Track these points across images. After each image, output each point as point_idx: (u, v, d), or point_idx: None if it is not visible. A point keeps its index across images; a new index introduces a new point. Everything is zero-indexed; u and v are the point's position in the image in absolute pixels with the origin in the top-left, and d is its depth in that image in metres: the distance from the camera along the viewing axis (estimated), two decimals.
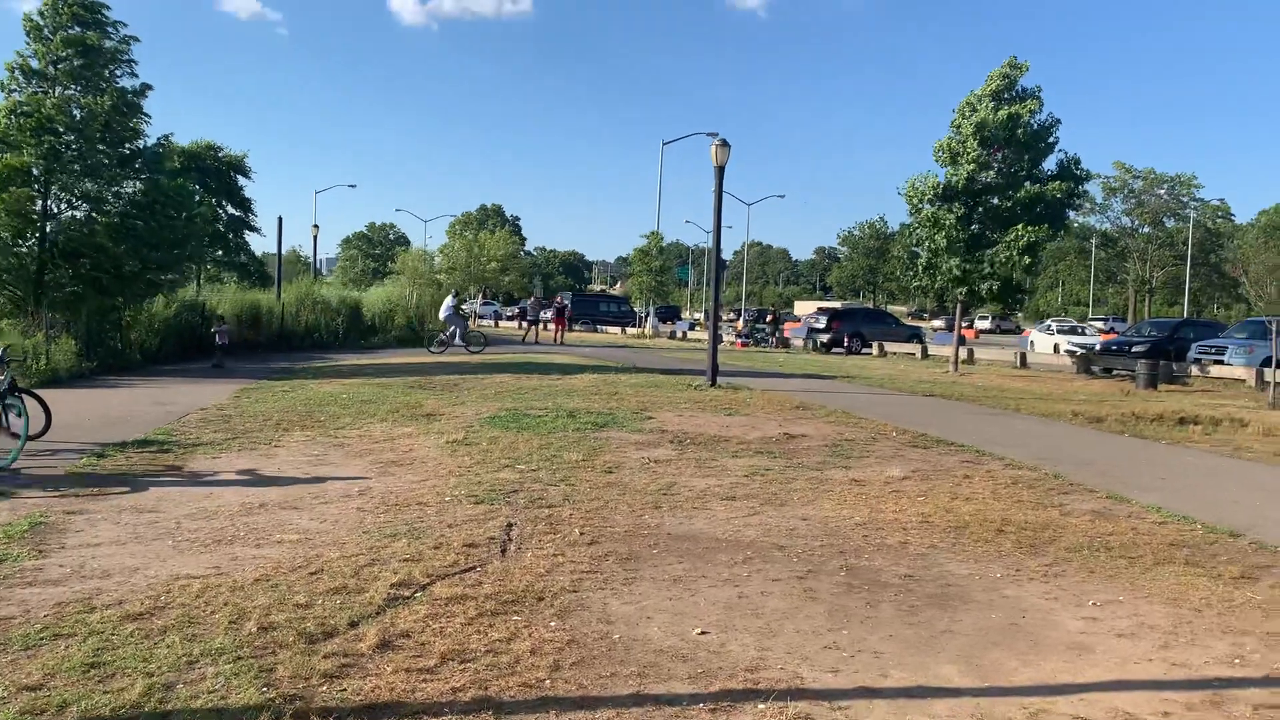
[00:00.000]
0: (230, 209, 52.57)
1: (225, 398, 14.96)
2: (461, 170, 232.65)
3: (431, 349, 27.43)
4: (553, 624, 5.04)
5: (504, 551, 6.41)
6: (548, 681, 4.31)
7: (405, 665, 4.45)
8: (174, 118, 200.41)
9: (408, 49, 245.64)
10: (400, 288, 37.22)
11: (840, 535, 7.14)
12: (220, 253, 51.04)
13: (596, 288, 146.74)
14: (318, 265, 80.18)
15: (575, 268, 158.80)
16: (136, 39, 20.23)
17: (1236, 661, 4.77)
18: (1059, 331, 44.07)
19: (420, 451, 10.36)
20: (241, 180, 52.18)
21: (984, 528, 7.44)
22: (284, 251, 41.12)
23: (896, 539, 7.09)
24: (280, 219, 33.19)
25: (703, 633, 5.00)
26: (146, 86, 20.43)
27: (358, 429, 11.91)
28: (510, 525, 7.10)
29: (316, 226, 57.75)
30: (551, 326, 36.78)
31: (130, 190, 20.26)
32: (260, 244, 59.77)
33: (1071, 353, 34.22)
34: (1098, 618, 5.40)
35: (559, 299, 45.06)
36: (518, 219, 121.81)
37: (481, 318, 59.88)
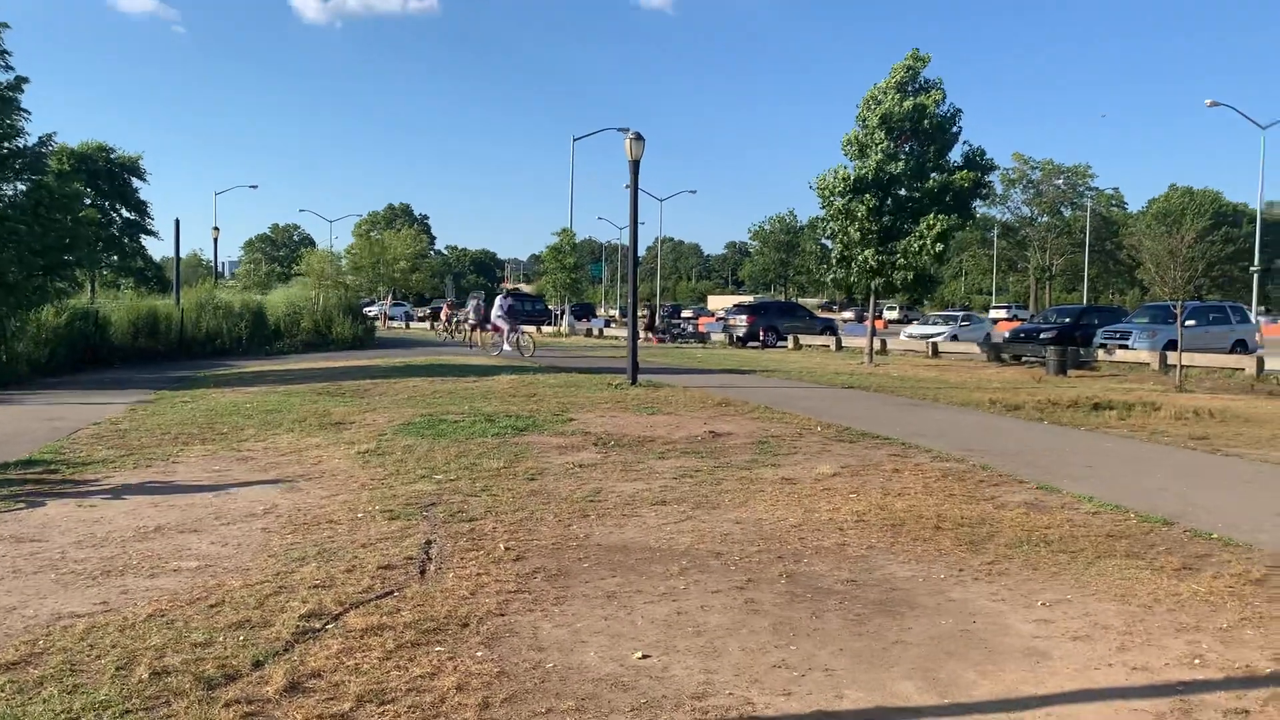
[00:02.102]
0: (125, 212, 50.58)
1: (120, 411, 14.11)
2: (368, 170, 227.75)
3: (491, 352, 27.11)
4: (480, 654, 4.64)
5: (423, 573, 5.97)
6: None
7: (317, 711, 4.01)
8: (62, 119, 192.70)
9: (310, 47, 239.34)
10: (305, 290, 36.08)
11: (777, 539, 6.87)
12: (115, 258, 49.05)
13: (509, 286, 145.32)
14: (220, 269, 77.78)
15: (487, 266, 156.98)
16: (7, 25, 18.85)
17: (1196, 662, 4.60)
18: (915, 323, 45.32)
19: (330, 463, 9.81)
20: (136, 183, 50.28)
21: (920, 525, 7.25)
22: (184, 255, 39.64)
23: (834, 540, 6.84)
24: (177, 221, 31.82)
25: (643, 656, 4.65)
26: (22, 79, 19.12)
27: (263, 441, 11.28)
28: (429, 543, 6.66)
29: (217, 229, 55.95)
30: (467, 327, 35.93)
31: (10, 192, 19.06)
32: (158, 248, 57.34)
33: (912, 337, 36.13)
34: (1049, 619, 5.20)
35: (474, 300, 44.19)
36: (426, 218, 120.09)
37: (392, 319, 58.71)
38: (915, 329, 39.91)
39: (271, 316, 31.54)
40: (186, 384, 18.63)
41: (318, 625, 5.02)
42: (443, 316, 42.77)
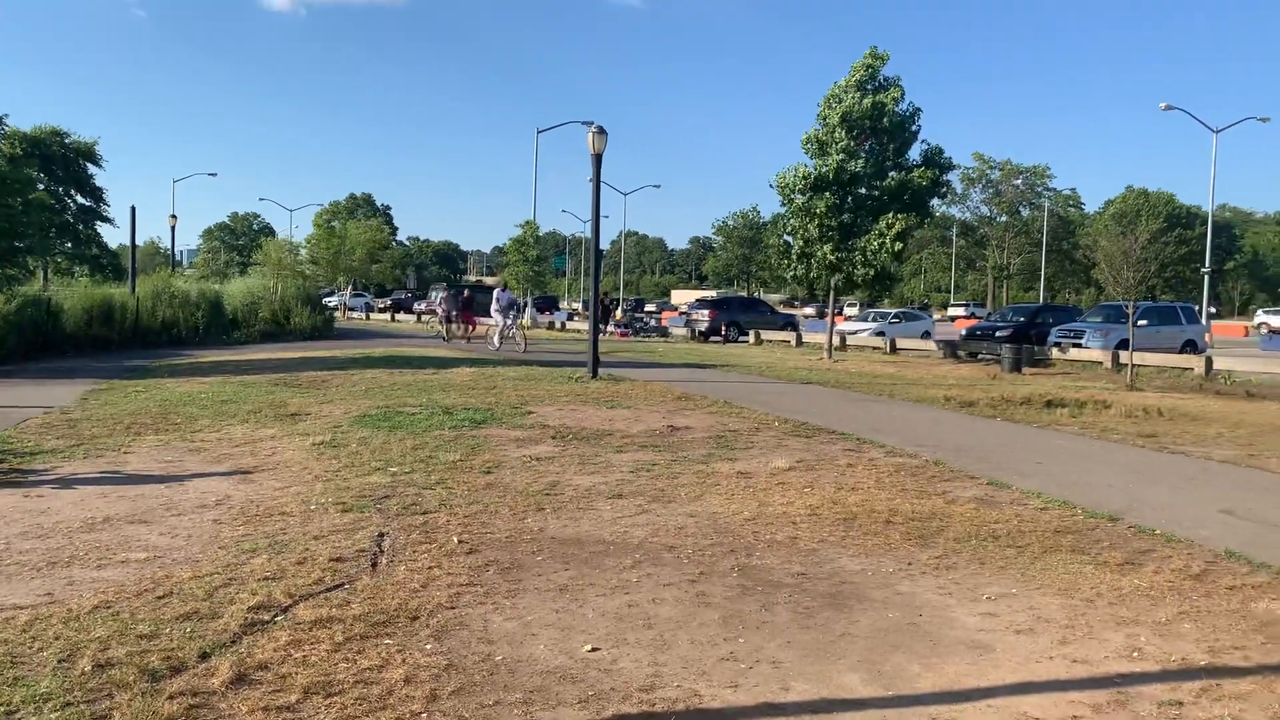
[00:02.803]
0: (80, 199, 49.74)
1: (71, 400, 13.89)
2: (330, 159, 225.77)
3: (495, 347, 26.23)
4: (429, 647, 4.64)
5: (374, 565, 5.95)
6: (424, 714, 3.92)
7: (263, 703, 3.99)
8: (14, 102, 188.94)
9: (274, 34, 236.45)
10: (264, 280, 35.70)
11: (730, 532, 6.92)
12: (69, 245, 48.22)
13: (472, 278, 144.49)
14: (178, 257, 76.70)
15: (450, 258, 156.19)
16: None
17: (1135, 654, 4.70)
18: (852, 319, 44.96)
19: (284, 455, 9.73)
20: (92, 169, 49.44)
21: (872, 519, 7.33)
22: (140, 243, 39.02)
23: (786, 534, 6.90)
24: (133, 209, 31.26)
25: (593, 649, 4.67)
26: None
27: (217, 431, 11.16)
28: (381, 535, 6.63)
29: (174, 217, 55.28)
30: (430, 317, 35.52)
31: None
32: (114, 236, 56.59)
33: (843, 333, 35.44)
34: (994, 613, 5.29)
35: (439, 292, 43.78)
36: (389, 208, 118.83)
37: (352, 310, 58.20)
38: (842, 325, 39.49)
39: (229, 306, 31.19)
40: (140, 373, 18.40)
41: (266, 617, 4.99)
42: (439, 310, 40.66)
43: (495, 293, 28.67)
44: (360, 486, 8.17)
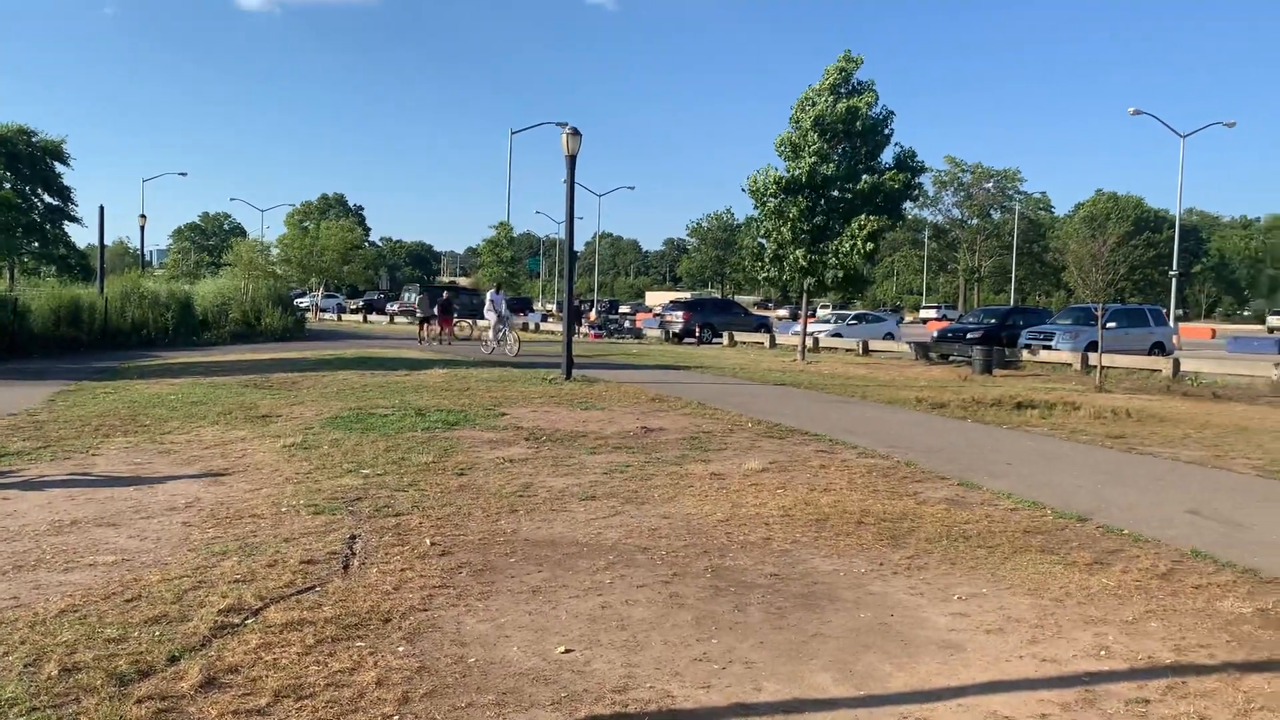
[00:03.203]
0: (47, 198, 49.19)
1: (39, 401, 13.73)
2: (303, 159, 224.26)
3: (486, 351, 25.74)
4: (401, 649, 4.62)
5: (346, 568, 5.92)
6: (396, 717, 3.91)
7: (233, 707, 3.96)
8: None
9: (246, 33, 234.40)
10: (235, 280, 35.42)
11: (703, 534, 6.94)
12: (36, 245, 47.69)
13: (445, 279, 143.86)
14: (147, 257, 75.95)
15: (423, 258, 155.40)
16: None
17: (1102, 653, 4.75)
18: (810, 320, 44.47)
19: (255, 457, 9.65)
20: (60, 167, 48.92)
21: (844, 520, 7.37)
22: (110, 243, 38.60)
23: (759, 535, 6.93)
24: (102, 208, 30.91)
25: (566, 650, 4.67)
26: None
27: (186, 433, 11.06)
28: (353, 538, 6.60)
29: (144, 216, 54.62)
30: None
31: None
32: (82, 235, 56.08)
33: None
34: (965, 613, 5.34)
35: (410, 293, 43.52)
36: (361, 208, 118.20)
37: (324, 311, 57.86)
38: (798, 326, 39.17)
39: (199, 307, 30.93)
40: (109, 375, 18.20)
41: (237, 620, 4.95)
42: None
43: (489, 295, 27.92)
44: (332, 488, 8.12)
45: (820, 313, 53.69)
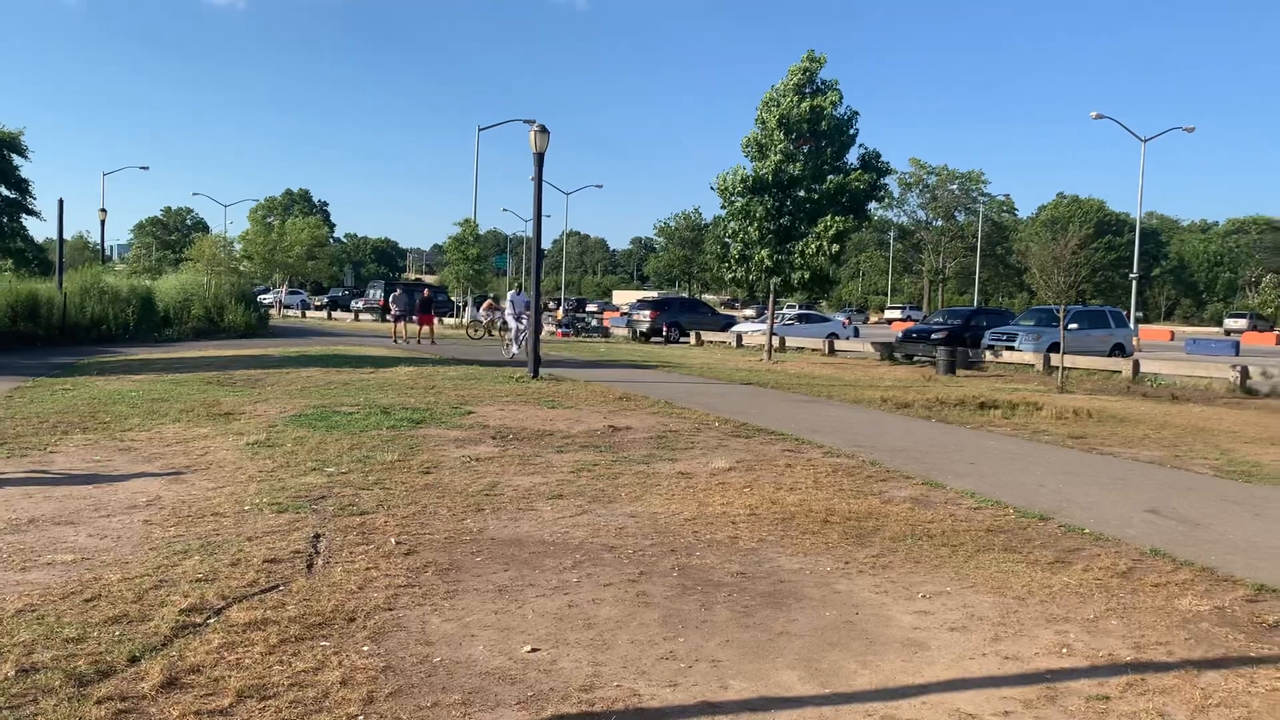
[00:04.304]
0: (4, 190, 48.31)
1: None
2: (267, 154, 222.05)
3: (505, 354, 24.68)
4: (366, 649, 4.58)
5: (310, 567, 5.86)
6: (361, 717, 3.88)
7: (195, 707, 3.91)
8: None
9: (210, 26, 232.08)
10: (197, 276, 34.98)
11: (670, 532, 6.94)
12: None
13: (411, 276, 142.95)
14: (108, 252, 74.80)
15: (388, 255, 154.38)
16: None
17: (1064, 651, 4.81)
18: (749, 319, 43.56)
19: (217, 455, 9.54)
20: (17, 160, 47.99)
21: (810, 519, 7.41)
22: (69, 237, 38.01)
23: (726, 534, 6.95)
24: (61, 202, 30.39)
25: (533, 650, 4.66)
26: None
27: (147, 431, 10.91)
28: (318, 536, 6.54)
29: (104, 210, 53.85)
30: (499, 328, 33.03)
31: None
32: (41, 229, 55.06)
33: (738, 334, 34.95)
34: (929, 611, 5.38)
35: (374, 289, 43.16)
36: (326, 204, 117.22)
37: (288, 307, 57.30)
38: (740, 326, 38.45)
39: (161, 302, 30.50)
40: (68, 371, 17.92)
41: (199, 620, 4.89)
42: (481, 315, 37.74)
43: (510, 296, 26.27)
44: (296, 487, 8.05)
45: (787, 312, 53.84)
